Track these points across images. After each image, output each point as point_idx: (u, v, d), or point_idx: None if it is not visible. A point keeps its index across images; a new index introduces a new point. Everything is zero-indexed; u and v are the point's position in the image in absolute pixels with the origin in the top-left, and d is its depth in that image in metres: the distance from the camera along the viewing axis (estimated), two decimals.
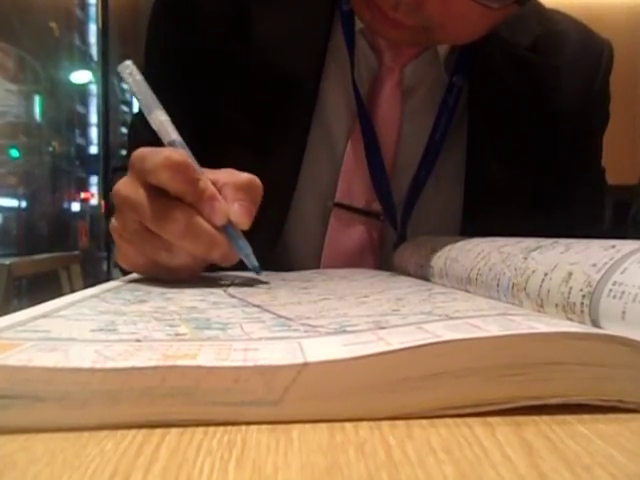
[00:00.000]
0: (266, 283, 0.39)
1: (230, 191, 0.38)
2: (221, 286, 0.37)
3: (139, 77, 0.39)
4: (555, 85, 0.59)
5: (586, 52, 0.61)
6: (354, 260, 0.57)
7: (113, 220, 0.38)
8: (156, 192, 0.35)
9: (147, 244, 0.36)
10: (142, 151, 0.36)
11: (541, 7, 0.62)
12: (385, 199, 0.56)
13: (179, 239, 0.35)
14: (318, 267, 0.57)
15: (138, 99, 0.39)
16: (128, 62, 0.39)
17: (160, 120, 0.38)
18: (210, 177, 0.37)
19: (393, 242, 0.57)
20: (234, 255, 0.38)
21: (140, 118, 0.63)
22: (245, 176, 0.39)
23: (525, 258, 0.30)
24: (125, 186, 0.37)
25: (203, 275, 0.43)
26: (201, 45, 0.55)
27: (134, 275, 0.42)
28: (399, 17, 0.45)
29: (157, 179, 0.35)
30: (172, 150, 0.36)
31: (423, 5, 0.44)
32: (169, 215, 0.35)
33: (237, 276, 0.44)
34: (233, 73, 0.55)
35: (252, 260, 0.39)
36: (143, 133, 0.61)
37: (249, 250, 0.38)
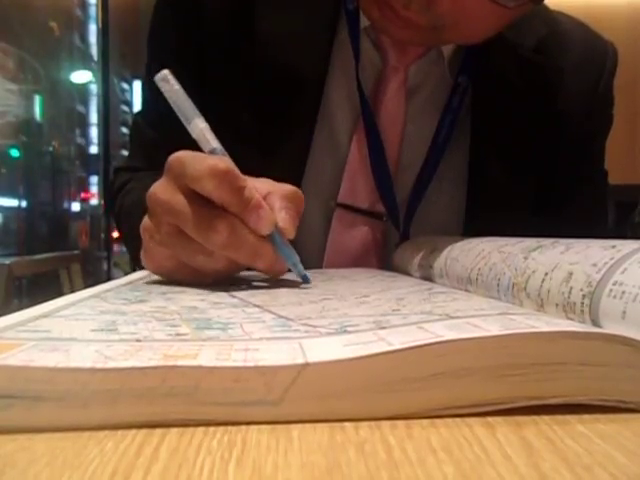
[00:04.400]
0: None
1: (277, 199, 0.37)
2: (222, 286, 0.37)
3: (177, 86, 0.38)
4: (559, 86, 0.59)
5: (590, 54, 0.61)
6: (357, 261, 0.57)
7: (146, 220, 0.38)
8: (197, 199, 0.35)
9: (183, 248, 0.36)
10: (181, 155, 0.36)
11: (546, 8, 0.62)
12: (388, 199, 0.56)
13: (222, 249, 0.35)
14: (321, 267, 0.57)
15: (176, 108, 0.38)
16: (165, 71, 0.38)
17: (200, 128, 0.38)
18: (251, 185, 0.37)
19: (396, 243, 0.57)
20: (281, 265, 0.37)
21: (142, 117, 0.63)
22: (290, 187, 0.39)
23: (525, 258, 0.30)
24: (162, 190, 0.36)
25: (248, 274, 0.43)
26: (205, 44, 0.55)
27: (135, 275, 0.41)
28: (410, 16, 0.45)
29: (201, 187, 0.34)
30: (217, 158, 0.36)
31: (435, 3, 0.43)
32: (212, 225, 0.34)
33: (238, 277, 0.44)
34: (237, 72, 0.55)
35: (300, 269, 0.38)
36: (146, 132, 0.61)
37: (296, 258, 0.38)
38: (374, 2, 0.47)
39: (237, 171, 0.36)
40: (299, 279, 0.38)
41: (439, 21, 0.45)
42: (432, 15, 0.44)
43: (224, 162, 0.35)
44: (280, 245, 0.37)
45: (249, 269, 0.40)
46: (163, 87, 0.38)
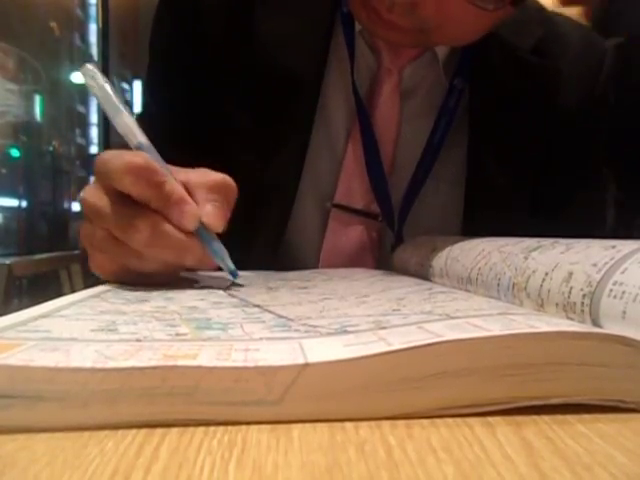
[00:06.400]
0: (242, 286, 0.38)
1: (202, 192, 0.36)
2: (221, 286, 0.37)
3: (102, 80, 0.37)
4: (557, 88, 0.59)
5: (588, 54, 0.61)
6: (352, 261, 0.57)
7: (82, 227, 0.37)
8: (121, 198, 0.34)
9: (117, 251, 0.35)
10: (105, 155, 0.35)
11: (543, 9, 0.62)
12: (383, 200, 0.56)
13: (146, 247, 0.34)
14: (317, 267, 0.57)
15: (102, 103, 0.37)
16: (90, 66, 0.37)
17: (125, 122, 0.37)
18: (182, 178, 0.36)
19: (391, 243, 0.57)
20: (210, 259, 0.36)
21: (141, 119, 0.63)
22: (218, 176, 0.37)
23: (526, 258, 0.30)
24: (90, 193, 0.35)
25: (202, 274, 0.43)
26: (204, 44, 0.55)
27: None
28: (394, 19, 0.45)
29: (120, 185, 0.33)
30: (133, 154, 0.35)
31: (418, 7, 0.43)
32: (133, 224, 0.33)
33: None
34: (236, 72, 0.55)
35: (228, 263, 0.37)
36: (145, 133, 0.61)
37: (224, 253, 0.37)
38: (361, 5, 0.48)
39: (156, 165, 0.34)
40: (228, 274, 0.37)
41: (424, 24, 0.45)
42: (416, 18, 0.44)
43: (140, 157, 0.34)
44: (207, 240, 0.36)
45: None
46: (88, 82, 0.37)
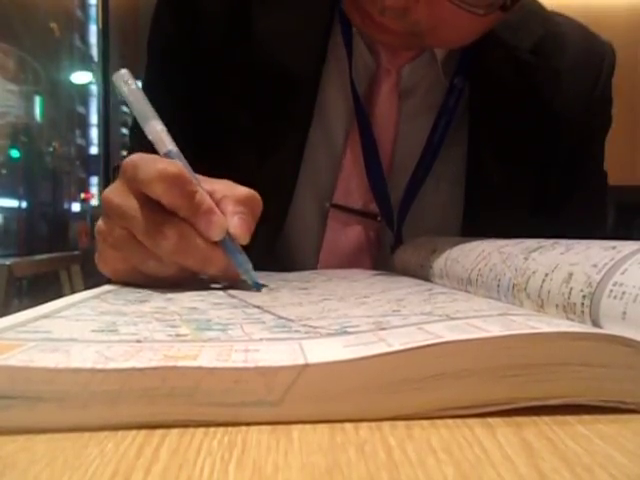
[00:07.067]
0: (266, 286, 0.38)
1: (230, 204, 0.37)
2: (221, 287, 0.37)
3: (134, 86, 0.37)
4: (557, 88, 0.59)
5: (588, 55, 0.61)
6: (351, 261, 0.57)
7: (100, 222, 0.37)
8: (149, 203, 0.34)
9: (134, 252, 0.35)
10: (135, 158, 0.35)
11: (543, 9, 0.62)
12: (382, 200, 0.56)
13: (171, 255, 0.34)
14: (315, 267, 0.57)
15: (133, 108, 0.37)
16: (124, 71, 0.38)
17: (156, 130, 0.37)
18: (207, 188, 0.36)
19: (390, 243, 0.57)
20: (233, 271, 0.36)
21: None
22: (245, 190, 0.38)
23: (526, 259, 0.30)
24: (116, 193, 0.35)
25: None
26: (202, 43, 0.56)
27: None
28: (386, 22, 0.45)
29: (151, 191, 0.34)
30: (167, 162, 0.35)
31: (409, 11, 0.43)
32: (161, 230, 0.34)
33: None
34: (234, 71, 0.55)
35: (252, 276, 0.37)
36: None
37: (249, 265, 0.37)
38: (354, 8, 0.48)
39: (188, 175, 0.35)
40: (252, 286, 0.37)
41: (416, 28, 0.45)
42: (408, 22, 0.44)
43: (175, 166, 0.34)
44: (232, 251, 0.36)
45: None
46: (121, 86, 0.37)
